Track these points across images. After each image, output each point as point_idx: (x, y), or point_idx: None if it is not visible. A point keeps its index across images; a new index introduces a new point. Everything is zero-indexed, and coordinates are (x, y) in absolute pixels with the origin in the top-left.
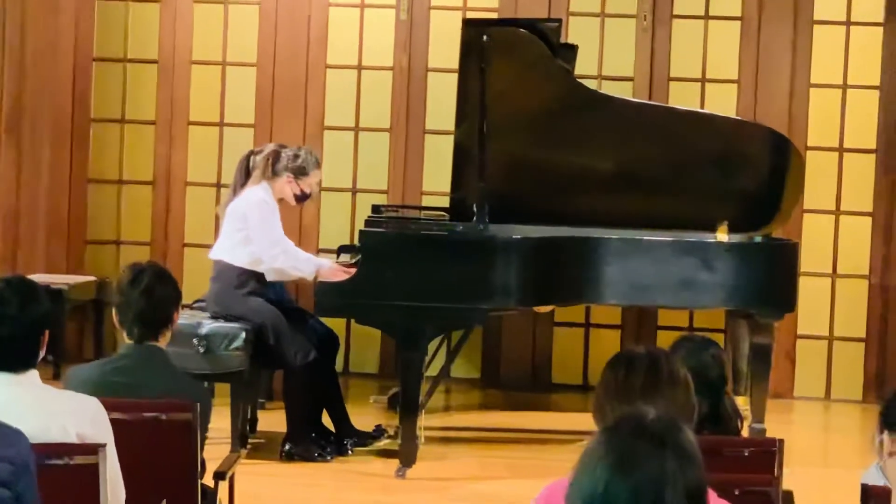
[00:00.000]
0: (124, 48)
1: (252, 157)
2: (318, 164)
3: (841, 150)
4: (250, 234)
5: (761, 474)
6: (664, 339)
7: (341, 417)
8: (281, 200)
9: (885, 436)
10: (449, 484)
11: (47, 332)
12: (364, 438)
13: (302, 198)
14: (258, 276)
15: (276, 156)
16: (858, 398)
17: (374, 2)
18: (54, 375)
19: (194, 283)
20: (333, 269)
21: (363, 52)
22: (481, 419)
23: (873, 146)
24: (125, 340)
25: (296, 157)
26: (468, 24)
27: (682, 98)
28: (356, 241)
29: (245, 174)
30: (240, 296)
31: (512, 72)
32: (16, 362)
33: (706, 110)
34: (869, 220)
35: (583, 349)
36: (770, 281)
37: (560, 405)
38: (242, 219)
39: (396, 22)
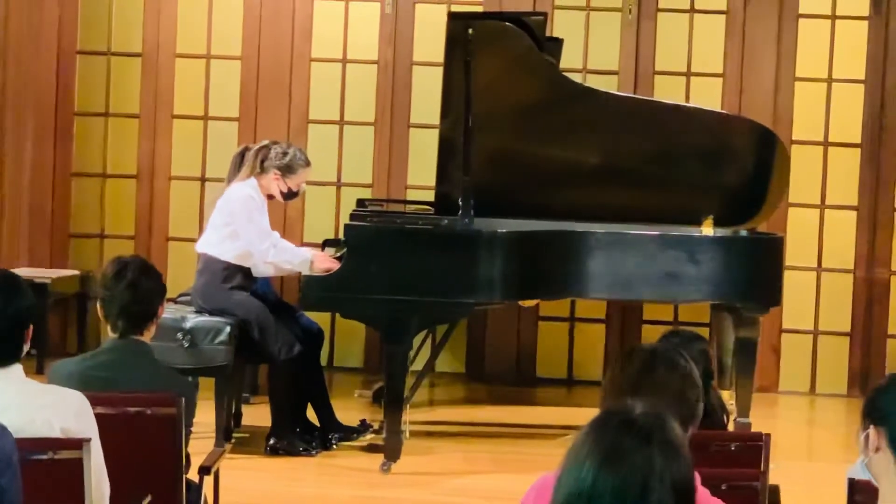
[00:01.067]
0: (108, 41)
1: (246, 153)
2: (307, 163)
3: (826, 143)
4: (238, 230)
5: (748, 469)
6: (649, 333)
7: (326, 412)
8: (271, 197)
9: (871, 430)
10: (434, 478)
11: (31, 327)
12: (349, 433)
13: (289, 195)
14: (244, 271)
15: (264, 152)
16: (843, 392)
17: None
18: (37, 369)
19: (179, 276)
20: (326, 262)
21: (348, 45)
22: (466, 413)
23: (858, 140)
24: (109, 334)
25: (284, 154)
26: (453, 17)
27: (667, 92)
28: (341, 235)
29: (239, 169)
30: (225, 290)
31: (497, 65)
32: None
33: (691, 104)
34: (854, 213)
35: (567, 343)
36: (755, 275)
37: (545, 399)
38: (230, 214)
39: (381, 15)
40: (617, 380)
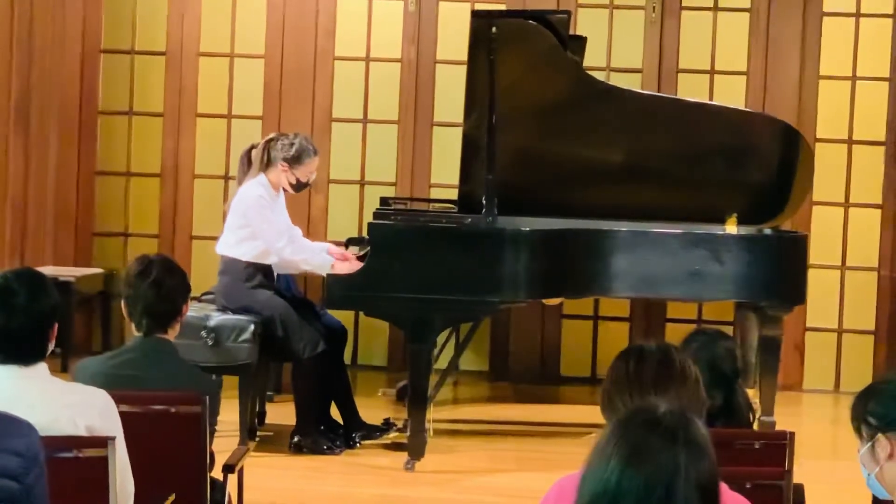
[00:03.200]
0: (132, 40)
1: (252, 151)
2: (315, 152)
3: (850, 141)
4: (254, 232)
5: (772, 467)
6: (673, 332)
7: (350, 410)
8: (285, 190)
9: (881, 438)
10: (458, 477)
11: (56, 325)
12: (372, 431)
13: (299, 186)
14: (265, 270)
15: (270, 145)
16: None
17: None
18: (62, 368)
19: (202, 275)
20: (346, 263)
21: (371, 43)
22: (490, 412)
23: (882, 138)
24: (134, 333)
25: (290, 145)
26: (477, 15)
27: (690, 90)
28: (364, 234)
29: (247, 168)
30: (248, 289)
31: (521, 64)
32: (25, 355)
33: (715, 102)
34: (878, 212)
35: (591, 342)
36: (779, 273)
37: (569, 398)
38: (243, 215)
39: (405, 13)
40: (630, 379)
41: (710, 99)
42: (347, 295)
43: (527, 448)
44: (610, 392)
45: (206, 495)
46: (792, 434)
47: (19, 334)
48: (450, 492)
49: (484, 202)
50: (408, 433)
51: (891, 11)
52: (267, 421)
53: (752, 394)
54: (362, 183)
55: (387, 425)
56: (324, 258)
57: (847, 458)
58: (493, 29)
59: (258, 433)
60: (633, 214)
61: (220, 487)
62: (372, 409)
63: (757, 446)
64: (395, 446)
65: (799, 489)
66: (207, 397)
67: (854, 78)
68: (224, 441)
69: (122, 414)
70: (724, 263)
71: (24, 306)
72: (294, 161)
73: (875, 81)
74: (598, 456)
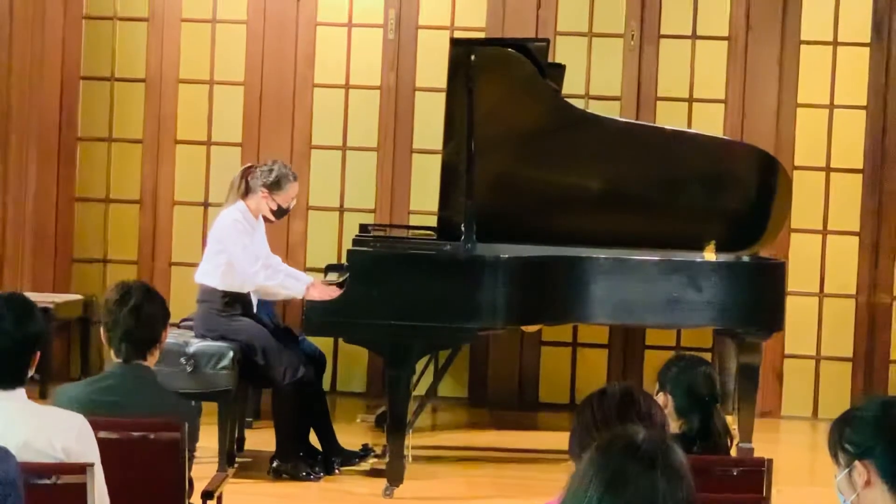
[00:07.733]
0: (111, 66)
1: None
2: (294, 178)
3: (828, 169)
4: (230, 258)
5: (750, 494)
6: (651, 359)
7: (328, 436)
8: (268, 220)
9: (857, 465)
10: (436, 503)
11: (39, 353)
12: (351, 457)
13: (279, 213)
14: (244, 299)
15: (250, 172)
16: None
17: (361, 21)
18: (41, 394)
19: (181, 301)
20: (322, 289)
21: (351, 70)
22: (468, 438)
23: (860, 166)
24: (113, 359)
25: (270, 171)
26: (456, 43)
27: (669, 117)
28: (343, 261)
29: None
30: (225, 318)
31: (499, 91)
32: (6, 378)
33: (694, 130)
34: (856, 239)
35: (570, 368)
36: (757, 300)
37: (547, 424)
38: (219, 241)
39: (384, 41)
40: (595, 416)
41: (689, 127)
42: (326, 322)
43: (505, 474)
44: (579, 434)
45: None
46: (769, 461)
47: (3, 357)
48: None
49: (463, 229)
50: (387, 459)
51: (868, 40)
52: (246, 447)
53: (731, 420)
54: (342, 210)
55: (365, 451)
56: (297, 287)
57: (825, 485)
58: (472, 57)
59: (237, 459)
60: (611, 241)
61: None
62: (351, 436)
63: (735, 473)
64: (374, 472)
65: None
66: (186, 424)
67: (832, 106)
68: (203, 467)
69: (100, 440)
70: (702, 290)
71: (11, 330)
72: (274, 187)
73: (852, 109)
74: (578, 482)
